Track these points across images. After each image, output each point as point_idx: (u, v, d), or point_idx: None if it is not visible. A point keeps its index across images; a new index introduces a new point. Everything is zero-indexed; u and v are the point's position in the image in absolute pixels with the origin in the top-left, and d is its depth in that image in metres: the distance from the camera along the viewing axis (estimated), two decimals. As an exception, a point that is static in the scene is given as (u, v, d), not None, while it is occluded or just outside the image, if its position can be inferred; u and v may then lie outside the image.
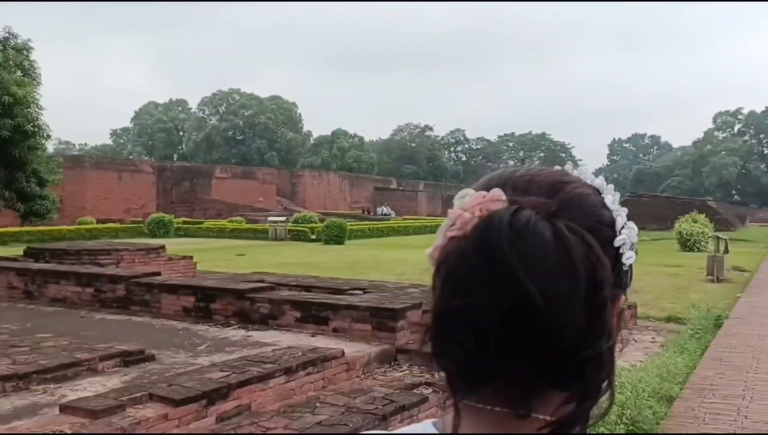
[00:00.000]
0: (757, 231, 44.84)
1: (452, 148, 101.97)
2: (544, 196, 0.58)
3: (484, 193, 0.57)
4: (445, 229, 0.57)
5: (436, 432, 0.60)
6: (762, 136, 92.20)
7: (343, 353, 4.97)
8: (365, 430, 3.89)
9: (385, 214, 52.68)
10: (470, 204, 0.57)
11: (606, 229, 0.59)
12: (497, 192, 0.57)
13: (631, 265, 0.61)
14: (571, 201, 0.59)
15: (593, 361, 0.52)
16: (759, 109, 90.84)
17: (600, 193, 0.62)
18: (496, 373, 0.52)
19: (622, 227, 0.61)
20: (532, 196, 0.57)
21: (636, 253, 0.63)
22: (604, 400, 0.54)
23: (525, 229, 0.53)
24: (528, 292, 0.50)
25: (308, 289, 8.32)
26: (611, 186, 0.64)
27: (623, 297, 0.60)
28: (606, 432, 4.08)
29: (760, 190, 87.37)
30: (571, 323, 0.52)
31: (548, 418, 0.53)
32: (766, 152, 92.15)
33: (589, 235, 0.55)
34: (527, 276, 0.51)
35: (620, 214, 0.61)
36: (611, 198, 0.62)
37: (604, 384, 0.54)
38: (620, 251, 0.60)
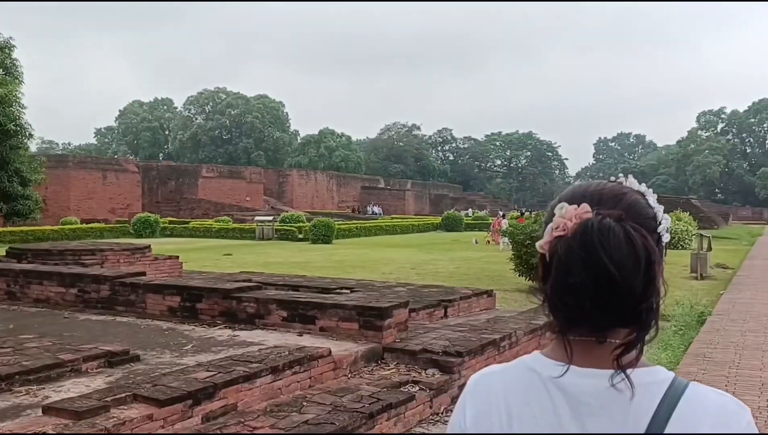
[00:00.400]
0: (739, 229, 45.37)
1: (439, 148, 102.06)
2: (612, 204, 0.88)
3: (575, 206, 0.87)
4: (551, 230, 0.87)
5: (546, 359, 0.90)
6: (744, 135, 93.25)
7: (330, 352, 4.96)
8: (351, 429, 3.89)
9: (375, 213, 53.51)
10: (569, 214, 0.86)
11: (651, 221, 0.90)
12: (586, 206, 0.86)
13: (666, 242, 0.93)
14: (630, 206, 0.89)
15: (647, 310, 0.83)
16: (741, 109, 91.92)
17: (644, 196, 0.93)
18: (588, 320, 0.83)
19: (661, 219, 0.91)
20: (605, 206, 0.87)
21: (670, 234, 0.96)
22: (652, 333, 0.85)
23: (607, 231, 0.83)
24: (611, 272, 0.81)
25: (295, 288, 8.29)
26: (650, 190, 0.94)
27: (663, 263, 0.90)
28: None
29: (742, 188, 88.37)
30: (636, 289, 0.81)
31: (618, 341, 0.84)
32: (748, 151, 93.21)
33: (644, 230, 0.84)
34: (610, 262, 0.81)
35: (659, 210, 0.92)
36: (652, 199, 0.93)
37: (653, 322, 0.84)
38: (661, 235, 0.91)
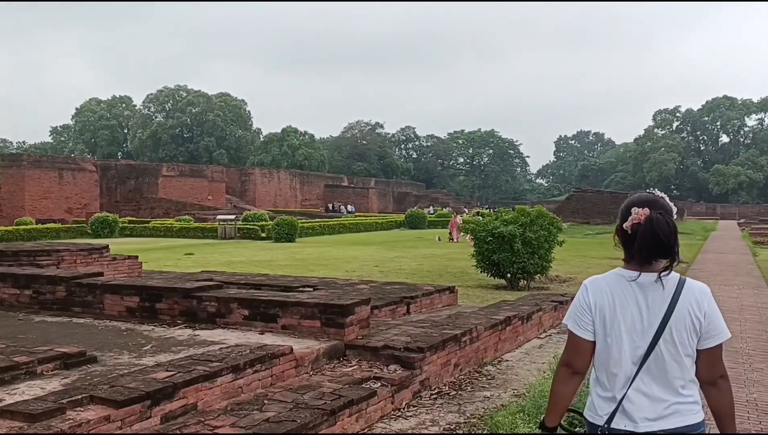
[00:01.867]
0: (693, 224, 46.72)
1: (403, 146, 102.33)
2: (657, 206, 2.08)
3: (641, 208, 2.06)
4: (631, 220, 2.05)
5: (625, 270, 2.11)
6: (698, 133, 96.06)
7: (292, 350, 4.96)
8: (313, 426, 3.90)
9: (350, 211, 56.11)
10: (640, 213, 2.05)
11: (671, 211, 2.10)
12: (647, 209, 2.06)
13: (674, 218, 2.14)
14: (663, 206, 2.10)
15: (675, 252, 2.05)
16: (696, 108, 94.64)
17: (664, 198, 2.14)
18: (650, 258, 2.06)
19: (673, 208, 2.12)
20: (654, 208, 2.07)
21: (676, 214, 2.27)
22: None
23: (659, 221, 2.04)
24: (662, 239, 2.02)
25: (257, 287, 8.24)
26: (666, 195, 2.17)
27: None
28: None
29: (696, 184, 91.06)
30: (671, 244, 2.03)
31: (664, 262, 2.05)
32: (702, 149, 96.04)
33: (670, 217, 2.08)
34: (662, 234, 2.03)
35: (672, 204, 2.14)
36: (667, 199, 2.15)
37: (677, 257, 2.05)
38: (674, 217, 2.11)
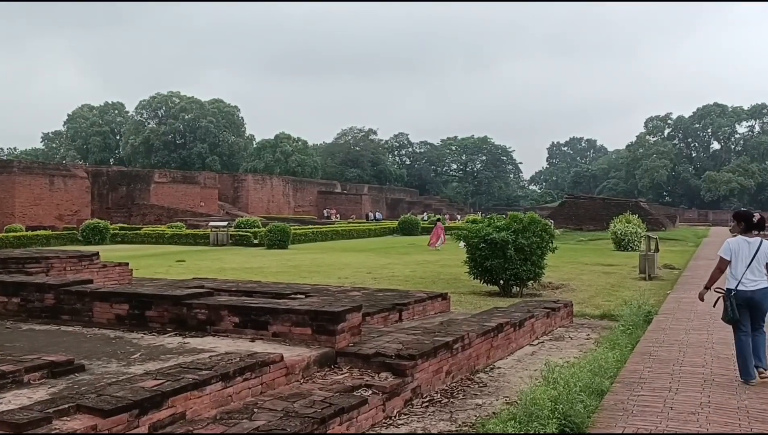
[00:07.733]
0: (685, 230, 46.97)
1: (396, 152, 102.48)
2: (757, 214, 6.61)
3: (756, 214, 6.51)
4: (757, 217, 6.38)
5: (741, 236, 6.29)
6: (689, 140, 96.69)
7: (282, 358, 4.92)
8: (303, 434, 3.86)
9: (377, 219, 57.30)
10: (757, 216, 6.37)
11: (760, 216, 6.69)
12: (758, 215, 6.51)
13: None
14: (755, 214, 6.56)
15: (765, 227, 6.37)
16: (687, 115, 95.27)
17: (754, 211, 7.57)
18: (752, 231, 6.28)
19: (756, 215, 6.74)
20: (760, 215, 6.56)
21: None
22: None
23: (763, 218, 6.39)
24: (763, 223, 6.35)
25: (249, 294, 8.19)
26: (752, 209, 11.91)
27: None
28: (539, 426, 4.18)
29: (688, 191, 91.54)
30: (763, 224, 6.33)
31: (756, 232, 6.26)
32: (693, 155, 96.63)
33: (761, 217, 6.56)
34: (761, 222, 6.36)
35: (758, 214, 6.89)
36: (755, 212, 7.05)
37: (765, 227, 6.45)
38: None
